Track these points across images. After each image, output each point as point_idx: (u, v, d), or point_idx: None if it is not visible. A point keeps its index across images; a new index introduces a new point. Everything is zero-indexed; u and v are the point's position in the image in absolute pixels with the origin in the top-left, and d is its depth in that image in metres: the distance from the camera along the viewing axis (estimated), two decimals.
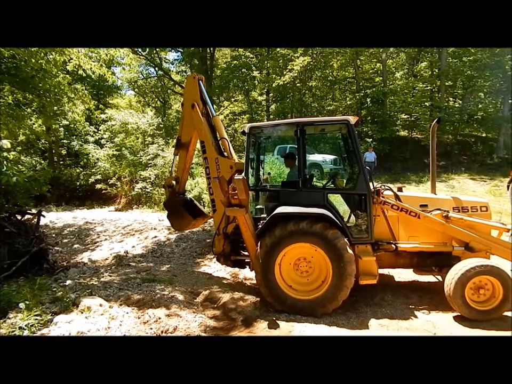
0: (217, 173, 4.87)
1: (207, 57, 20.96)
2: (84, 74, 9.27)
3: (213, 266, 6.29)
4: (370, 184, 4.31)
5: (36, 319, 3.40)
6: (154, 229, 9.17)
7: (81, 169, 17.33)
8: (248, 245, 4.36)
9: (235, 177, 4.07)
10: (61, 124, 16.19)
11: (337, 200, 4.94)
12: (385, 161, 17.44)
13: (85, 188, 16.66)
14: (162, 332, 3.48)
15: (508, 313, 3.91)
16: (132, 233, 9.07)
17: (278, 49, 18.57)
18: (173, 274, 5.75)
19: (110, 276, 5.45)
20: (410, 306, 4.35)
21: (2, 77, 7.22)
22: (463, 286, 3.81)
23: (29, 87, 7.82)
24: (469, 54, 18.08)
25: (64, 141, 18.01)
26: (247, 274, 5.59)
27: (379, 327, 3.82)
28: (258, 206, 4.93)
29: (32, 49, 6.84)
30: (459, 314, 3.95)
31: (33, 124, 11.59)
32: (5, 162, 5.05)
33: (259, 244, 4.20)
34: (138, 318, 3.71)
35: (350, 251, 3.97)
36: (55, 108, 10.55)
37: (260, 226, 4.30)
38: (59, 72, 8.40)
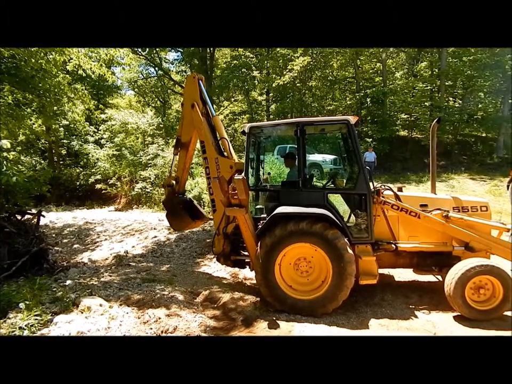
0: (217, 173, 4.86)
1: (207, 57, 20.94)
2: (84, 74, 9.26)
3: (213, 266, 6.29)
4: (370, 184, 4.31)
5: (36, 319, 3.40)
6: (154, 229, 9.17)
7: (81, 169, 17.34)
8: (248, 245, 4.36)
9: (235, 177, 4.07)
10: (60, 124, 16.20)
11: (337, 200, 4.94)
12: (385, 161, 17.44)
13: (85, 187, 16.67)
14: (162, 331, 3.48)
15: (508, 313, 3.91)
16: (131, 233, 9.07)
17: (278, 49, 18.57)
18: (173, 274, 5.75)
19: (110, 276, 5.45)
20: (410, 306, 4.35)
21: (2, 77, 7.22)
22: (463, 286, 3.81)
23: (28, 87, 7.82)
24: (469, 53, 18.07)
25: (64, 141, 18.03)
26: (247, 274, 5.59)
27: (379, 327, 3.82)
28: (258, 206, 4.93)
29: (32, 49, 6.83)
30: (459, 314, 3.95)
31: (33, 123, 11.58)
32: (4, 162, 5.05)
33: (259, 243, 4.20)
34: (138, 318, 3.71)
35: (350, 251, 3.97)
36: (55, 107, 10.56)
37: (260, 226, 4.30)
38: (59, 72, 8.40)
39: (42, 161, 17.60)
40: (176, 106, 25.26)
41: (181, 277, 5.60)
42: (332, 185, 5.09)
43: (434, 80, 19.46)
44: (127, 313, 3.78)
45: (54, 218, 11.59)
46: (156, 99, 27.82)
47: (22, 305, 3.58)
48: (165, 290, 4.58)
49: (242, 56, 19.53)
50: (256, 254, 4.20)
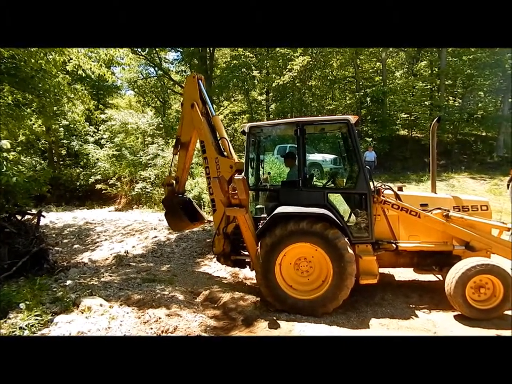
0: (217, 173, 4.86)
1: (206, 57, 20.92)
2: (84, 74, 9.27)
3: (213, 266, 6.29)
4: (371, 183, 4.31)
5: (36, 319, 3.41)
6: (155, 229, 9.17)
7: (81, 169, 17.35)
8: (249, 244, 4.36)
9: (235, 177, 4.07)
10: (60, 124, 16.20)
11: (337, 199, 4.94)
12: (385, 161, 17.44)
13: (85, 188, 16.69)
14: (162, 331, 3.48)
15: (508, 312, 3.91)
16: (132, 233, 9.08)
17: (278, 48, 18.55)
18: (173, 274, 5.76)
19: (110, 276, 5.46)
20: (411, 305, 4.35)
21: (2, 77, 7.22)
22: (464, 285, 3.81)
23: (28, 87, 7.82)
24: (469, 53, 18.05)
25: (64, 141, 18.03)
26: (247, 274, 5.59)
27: (379, 327, 3.82)
28: (258, 206, 4.93)
29: (32, 49, 6.83)
30: (459, 313, 3.95)
31: (33, 124, 11.59)
32: (4, 162, 5.06)
33: (259, 243, 4.20)
34: (139, 318, 3.71)
35: (350, 251, 3.98)
36: (55, 108, 10.57)
37: (260, 226, 4.30)
38: (59, 72, 8.39)
39: (42, 162, 17.59)
40: (176, 106, 25.24)
41: (181, 277, 5.60)
42: (332, 185, 5.08)
43: (434, 79, 19.47)
44: (128, 313, 3.78)
45: (54, 218, 11.58)
46: (156, 99, 27.80)
47: (22, 305, 3.59)
48: (165, 290, 4.58)
49: (242, 56, 19.49)
50: (257, 253, 4.20)
